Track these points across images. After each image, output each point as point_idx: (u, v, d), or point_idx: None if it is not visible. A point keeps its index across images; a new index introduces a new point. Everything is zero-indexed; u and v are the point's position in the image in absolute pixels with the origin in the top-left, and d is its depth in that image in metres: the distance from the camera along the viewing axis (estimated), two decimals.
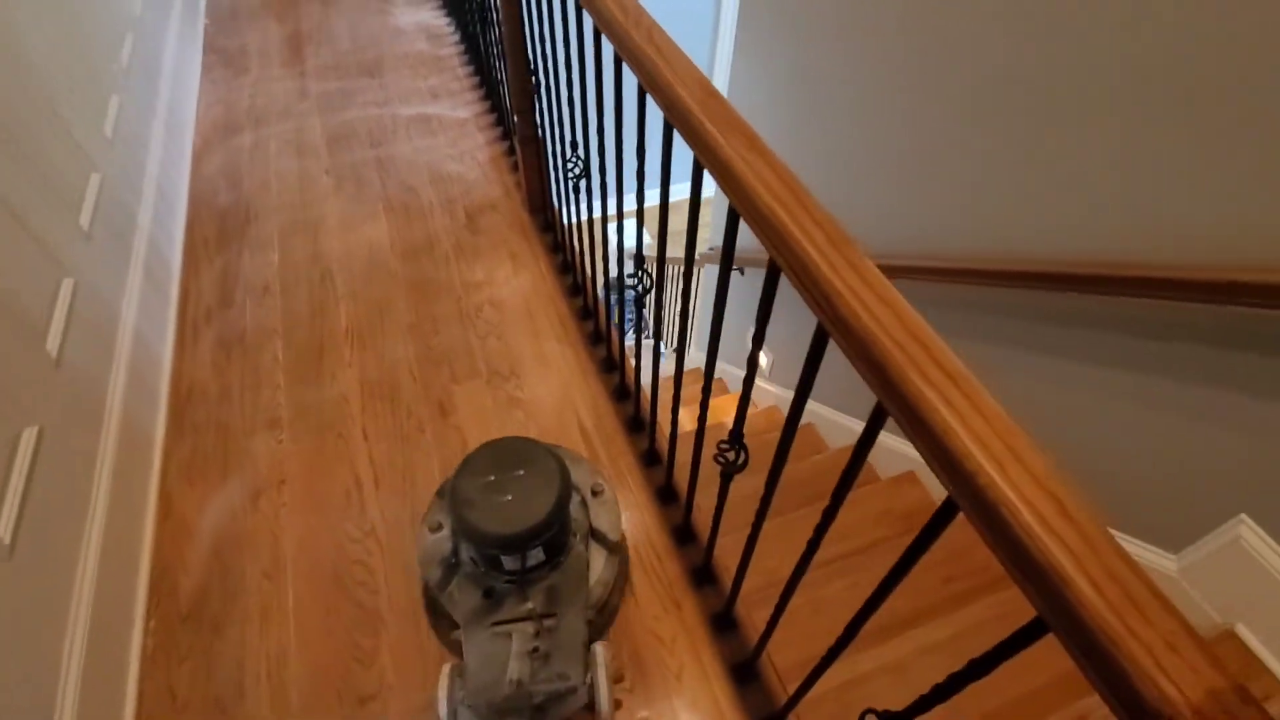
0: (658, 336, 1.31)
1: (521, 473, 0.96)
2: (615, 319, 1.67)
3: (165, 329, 1.74)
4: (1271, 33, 0.99)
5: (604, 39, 0.97)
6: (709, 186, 0.78)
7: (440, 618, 1.15)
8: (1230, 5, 1.03)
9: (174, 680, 1.21)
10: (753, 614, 1.29)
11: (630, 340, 3.78)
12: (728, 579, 1.32)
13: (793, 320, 2.57)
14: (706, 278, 3.74)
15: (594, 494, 1.14)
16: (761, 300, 0.71)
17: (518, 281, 1.89)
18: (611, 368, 1.66)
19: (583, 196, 1.45)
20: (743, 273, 2.88)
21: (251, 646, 1.24)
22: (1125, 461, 1.43)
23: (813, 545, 0.77)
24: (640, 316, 1.28)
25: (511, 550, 0.95)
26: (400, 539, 1.38)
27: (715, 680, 1.20)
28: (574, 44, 1.18)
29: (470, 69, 2.66)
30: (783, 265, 0.62)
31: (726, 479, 0.99)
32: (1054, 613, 0.41)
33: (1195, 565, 1.33)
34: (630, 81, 0.88)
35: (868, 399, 0.53)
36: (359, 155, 2.30)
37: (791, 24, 2.35)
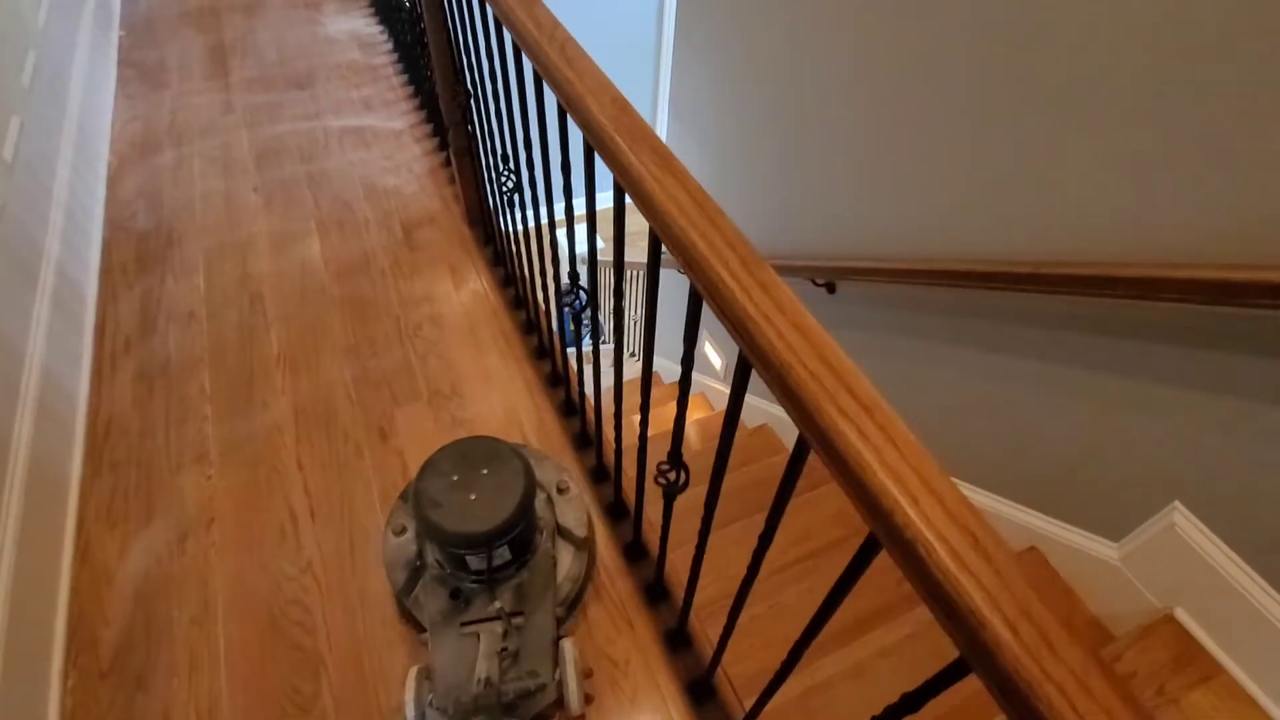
0: (596, 340, 1.28)
1: (486, 471, 0.95)
2: (566, 327, 1.64)
3: (80, 361, 1.64)
4: (1238, 35, 1.01)
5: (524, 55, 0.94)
6: None
7: (410, 620, 1.14)
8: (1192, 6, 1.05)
9: None
10: (708, 628, 1.27)
11: (574, 349, 3.74)
12: (681, 594, 1.31)
13: None
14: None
15: (559, 491, 1.14)
16: (688, 321, 0.69)
17: (459, 297, 1.84)
18: (557, 382, 1.63)
19: (519, 210, 1.41)
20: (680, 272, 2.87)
21: (179, 699, 1.17)
22: (1067, 454, 1.46)
23: (752, 571, 0.75)
24: (580, 328, 1.25)
25: (478, 549, 0.93)
26: (340, 573, 1.32)
27: (671, 701, 1.17)
28: (497, 57, 1.15)
29: (405, 78, 2.59)
30: (700, 289, 0.60)
31: (669, 499, 0.96)
32: (973, 652, 0.40)
33: (1134, 552, 1.37)
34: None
35: None
36: (289, 171, 2.21)
37: (733, 24, 2.35)
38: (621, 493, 1.38)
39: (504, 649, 0.95)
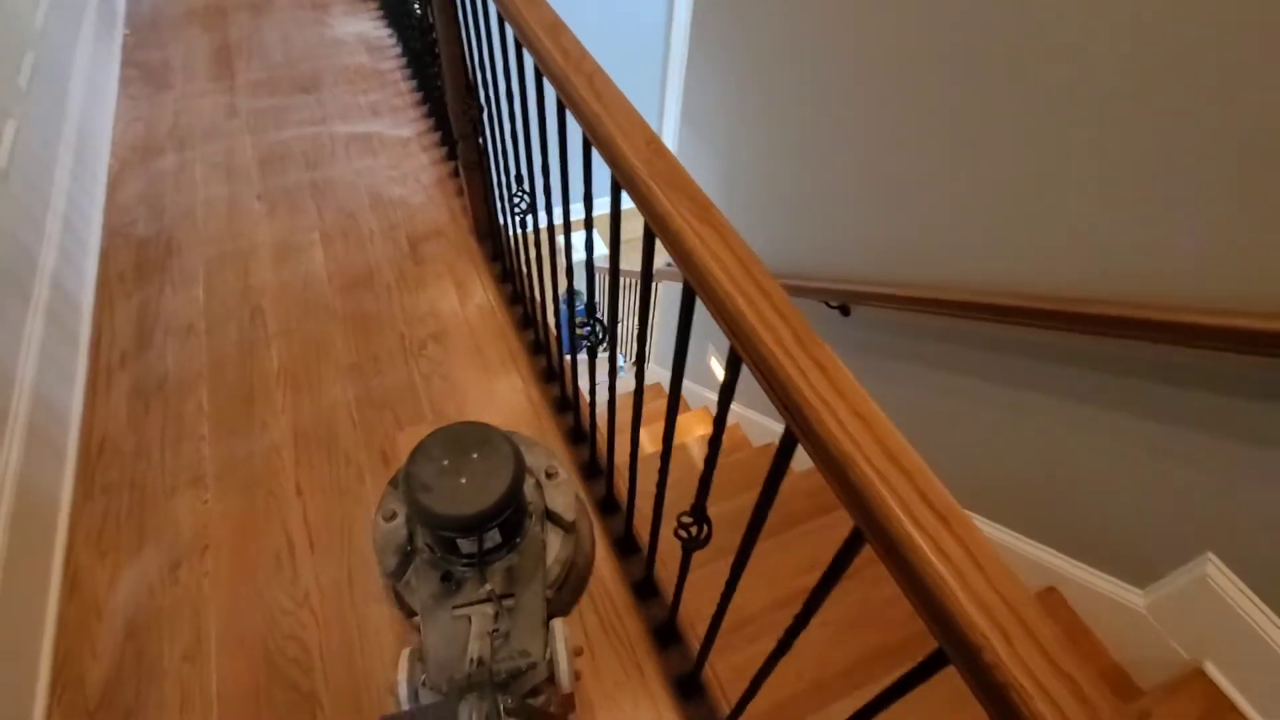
0: (614, 376, 1.23)
1: (476, 456, 0.96)
2: (567, 334, 1.59)
3: (74, 377, 1.58)
4: (1238, 74, 0.97)
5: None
6: None
7: (401, 604, 1.15)
8: (1197, 48, 1.01)
9: None
10: (717, 663, 1.22)
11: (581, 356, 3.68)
12: (693, 635, 1.26)
13: None
14: (665, 293, 3.68)
15: (548, 476, 1.15)
16: (724, 386, 0.64)
17: (465, 314, 1.79)
18: (566, 407, 1.58)
19: (531, 229, 1.37)
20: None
21: None
22: (1095, 494, 1.41)
23: (784, 644, 0.70)
24: (594, 357, 1.21)
25: (469, 532, 0.95)
26: (338, 606, 1.27)
27: None
28: (515, 77, 1.10)
29: (413, 84, 2.54)
30: (744, 358, 0.55)
31: (687, 553, 0.92)
32: None
33: (1162, 601, 1.32)
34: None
35: None
36: (294, 178, 2.16)
37: (747, 35, 2.30)
38: (633, 528, 1.34)
39: (495, 630, 0.97)
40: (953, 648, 0.39)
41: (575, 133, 0.85)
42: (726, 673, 1.25)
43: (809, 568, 1.94)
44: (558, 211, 1.14)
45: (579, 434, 1.52)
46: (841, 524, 1.78)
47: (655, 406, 3.22)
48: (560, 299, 1.46)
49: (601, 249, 4.38)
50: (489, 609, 1.00)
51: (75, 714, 1.15)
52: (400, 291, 1.85)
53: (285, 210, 2.06)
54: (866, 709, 0.56)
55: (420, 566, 1.04)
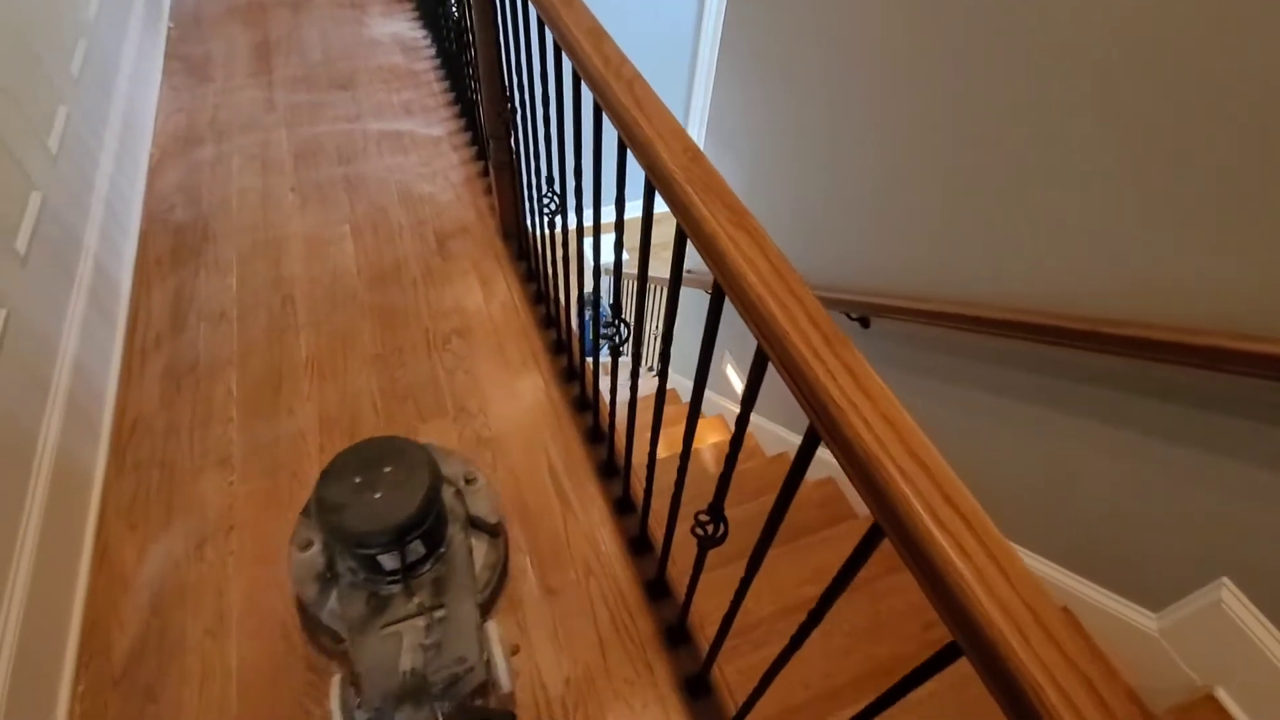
0: (636, 373, 1.25)
1: (388, 469, 0.95)
2: (589, 338, 1.61)
3: (110, 356, 1.63)
4: (1251, 91, 0.97)
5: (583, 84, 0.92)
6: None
7: (321, 634, 1.14)
8: (1211, 61, 1.01)
9: None
10: (726, 667, 1.23)
11: (604, 356, 3.72)
12: (703, 638, 1.27)
13: None
14: (684, 303, 3.69)
15: (467, 482, 1.15)
16: (748, 386, 0.66)
17: (489, 311, 1.82)
18: (585, 406, 1.60)
19: (559, 230, 1.39)
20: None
21: (189, 710, 1.15)
22: (1109, 516, 1.41)
23: (790, 649, 0.72)
24: (617, 358, 1.23)
25: (390, 547, 0.93)
26: None
27: None
28: (552, 81, 1.13)
29: (446, 84, 2.59)
30: (773, 359, 0.57)
31: (703, 550, 0.93)
32: None
33: (1175, 626, 1.31)
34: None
35: None
36: (327, 173, 2.21)
37: (774, 48, 2.32)
38: (648, 528, 1.35)
39: (427, 642, 0.96)
40: (969, 642, 0.41)
41: (608, 138, 0.88)
42: (734, 676, 1.26)
43: (815, 578, 1.94)
44: (587, 214, 1.17)
45: (597, 434, 1.54)
46: (850, 535, 1.80)
47: (671, 412, 3.23)
48: (585, 301, 1.48)
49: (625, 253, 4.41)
50: (420, 622, 0.99)
51: (100, 682, 1.19)
52: (426, 286, 1.88)
53: (317, 203, 2.10)
54: (878, 702, 0.58)
55: (344, 591, 1.01)
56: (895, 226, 1.88)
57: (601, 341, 1.22)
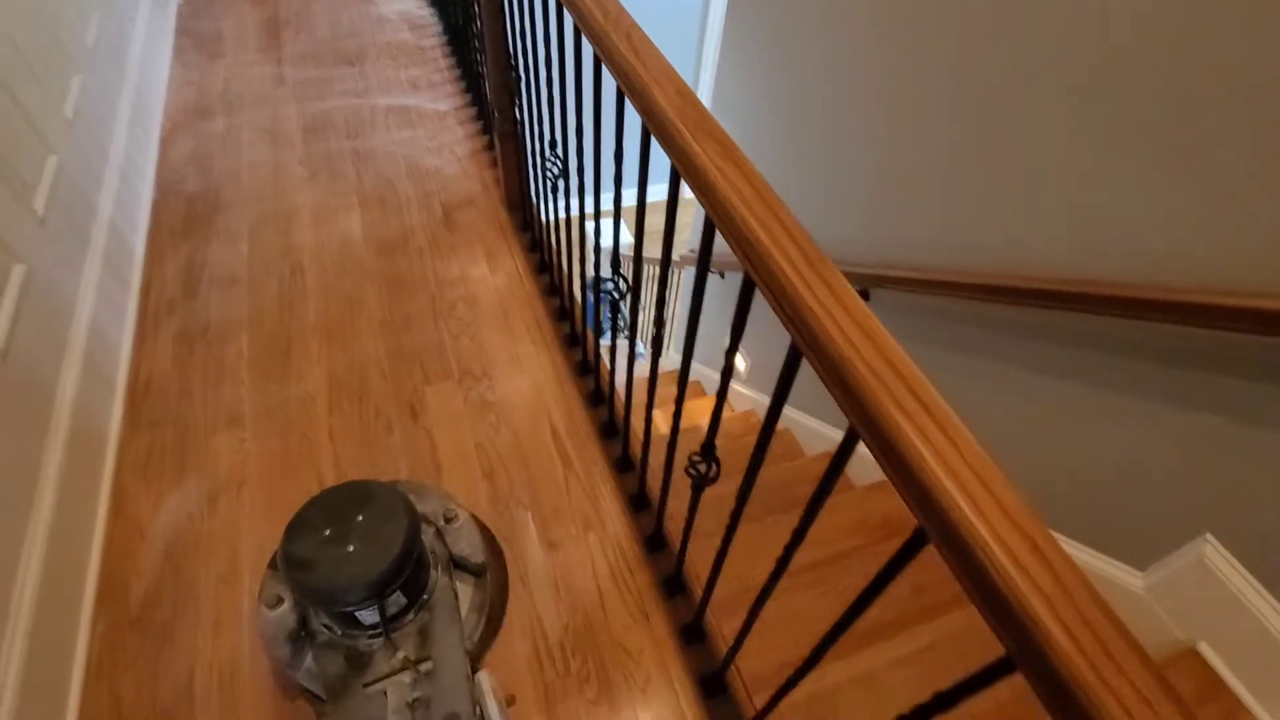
0: (633, 334, 1.28)
1: (360, 518, 0.86)
2: (593, 319, 1.65)
3: (125, 319, 1.68)
4: (1245, 55, 0.99)
5: (584, 39, 0.94)
6: (687, 189, 0.75)
7: (305, 694, 1.05)
8: (1205, 32, 1.03)
9: (120, 688, 1.16)
10: (723, 624, 1.27)
11: (607, 340, 3.75)
12: (699, 588, 1.31)
13: (771, 323, 2.56)
14: (686, 279, 3.72)
15: (447, 521, 1.06)
16: (737, 311, 0.69)
17: (494, 280, 1.86)
18: (587, 370, 1.63)
19: (561, 196, 1.42)
20: (722, 275, 2.87)
21: (203, 655, 1.20)
22: (1094, 477, 1.44)
23: (783, 563, 0.75)
24: (617, 316, 1.25)
25: (370, 602, 0.86)
26: None
27: (682, 693, 1.18)
28: (554, 42, 1.15)
29: (453, 60, 2.62)
30: (757, 280, 0.60)
31: (697, 490, 0.97)
32: (1023, 654, 0.40)
33: (1160, 583, 1.34)
34: (611, 82, 0.86)
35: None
36: (335, 146, 2.25)
37: (778, 26, 2.34)
38: (646, 486, 1.39)
39: (415, 699, 0.89)
40: (929, 518, 0.44)
41: (611, 102, 0.90)
42: (730, 632, 1.30)
43: (810, 547, 1.98)
44: (589, 200, 1.20)
45: (599, 397, 1.58)
46: (848, 505, 1.82)
47: (668, 392, 3.27)
48: (585, 283, 1.51)
49: (627, 238, 4.44)
50: (405, 678, 0.91)
51: (118, 623, 1.23)
52: (433, 256, 1.92)
53: (326, 175, 2.14)
54: (850, 612, 0.61)
55: (319, 650, 0.94)
56: (894, 198, 1.90)
57: (604, 313, 1.22)
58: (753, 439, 0.74)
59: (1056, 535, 1.59)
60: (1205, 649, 1.29)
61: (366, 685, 0.90)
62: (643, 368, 3.62)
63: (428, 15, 2.90)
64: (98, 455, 1.42)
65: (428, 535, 1.02)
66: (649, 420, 1.21)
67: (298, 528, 0.86)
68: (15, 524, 1.10)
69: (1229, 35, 1.02)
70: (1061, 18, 1.27)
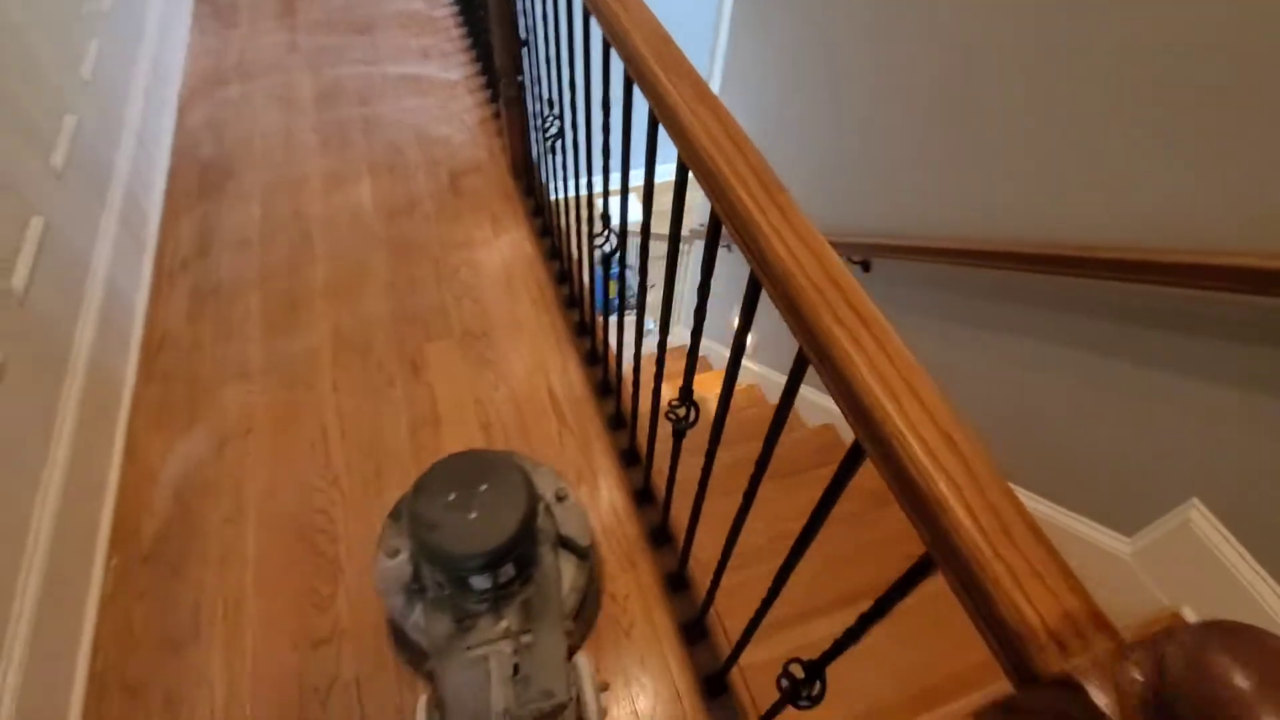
0: (629, 303, 1.31)
1: (484, 487, 0.91)
2: (603, 299, 1.67)
3: (140, 276, 1.73)
4: (1234, 26, 0.98)
5: None
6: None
7: (407, 648, 1.10)
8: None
9: (131, 618, 1.22)
10: (706, 578, 1.30)
11: (613, 311, 3.75)
12: (680, 540, 1.34)
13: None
14: (695, 253, 3.73)
15: (559, 499, 1.09)
16: (706, 246, 0.72)
17: (497, 244, 1.89)
18: (584, 331, 1.66)
19: (559, 157, 1.45)
20: (730, 249, 2.88)
21: (209, 588, 1.26)
22: (1083, 443, 1.44)
23: (748, 497, 0.78)
24: (624, 286, 1.26)
25: (484, 570, 0.90)
26: (364, 490, 1.39)
27: (665, 638, 1.21)
28: (551, 1, 1.17)
29: (464, 30, 2.63)
30: (720, 212, 0.62)
31: (678, 437, 0.99)
32: (936, 543, 0.42)
33: (1147, 549, 1.35)
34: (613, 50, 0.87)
35: None
36: (346, 113, 2.28)
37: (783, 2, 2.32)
38: (636, 440, 1.42)
39: (515, 669, 0.92)
40: (860, 423, 0.47)
41: (613, 69, 0.92)
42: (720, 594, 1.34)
43: (802, 515, 2.01)
44: (583, 135, 1.22)
45: (594, 356, 1.61)
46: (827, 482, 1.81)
47: (678, 368, 3.29)
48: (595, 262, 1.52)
49: (636, 216, 4.44)
50: (506, 647, 0.94)
51: (131, 558, 1.30)
52: (439, 221, 1.95)
53: (337, 142, 2.18)
54: (803, 534, 0.64)
55: (429, 606, 0.98)
56: (893, 171, 1.90)
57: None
58: (753, 411, 0.76)
59: (1046, 501, 1.60)
60: (1188, 613, 1.30)
61: (469, 649, 0.93)
62: (649, 341, 3.64)
63: None
64: (113, 404, 1.47)
65: (539, 512, 1.03)
66: (637, 376, 1.24)
67: (426, 486, 0.90)
68: (33, 464, 1.16)
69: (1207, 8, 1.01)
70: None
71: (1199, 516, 1.24)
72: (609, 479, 1.42)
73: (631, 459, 1.44)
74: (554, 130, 1.38)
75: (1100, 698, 0.31)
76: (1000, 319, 1.58)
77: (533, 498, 0.91)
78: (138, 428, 1.49)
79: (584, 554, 1.07)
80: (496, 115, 2.25)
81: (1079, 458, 1.47)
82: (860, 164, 2.08)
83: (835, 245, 1.69)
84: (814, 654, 1.48)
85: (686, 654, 1.20)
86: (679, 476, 1.18)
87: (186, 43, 2.53)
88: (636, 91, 0.79)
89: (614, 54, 0.86)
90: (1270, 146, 1.00)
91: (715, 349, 3.57)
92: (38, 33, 1.50)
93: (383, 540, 1.05)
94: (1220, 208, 1.08)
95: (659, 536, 1.32)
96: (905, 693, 1.45)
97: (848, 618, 1.52)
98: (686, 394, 0.93)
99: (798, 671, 0.75)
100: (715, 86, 4.22)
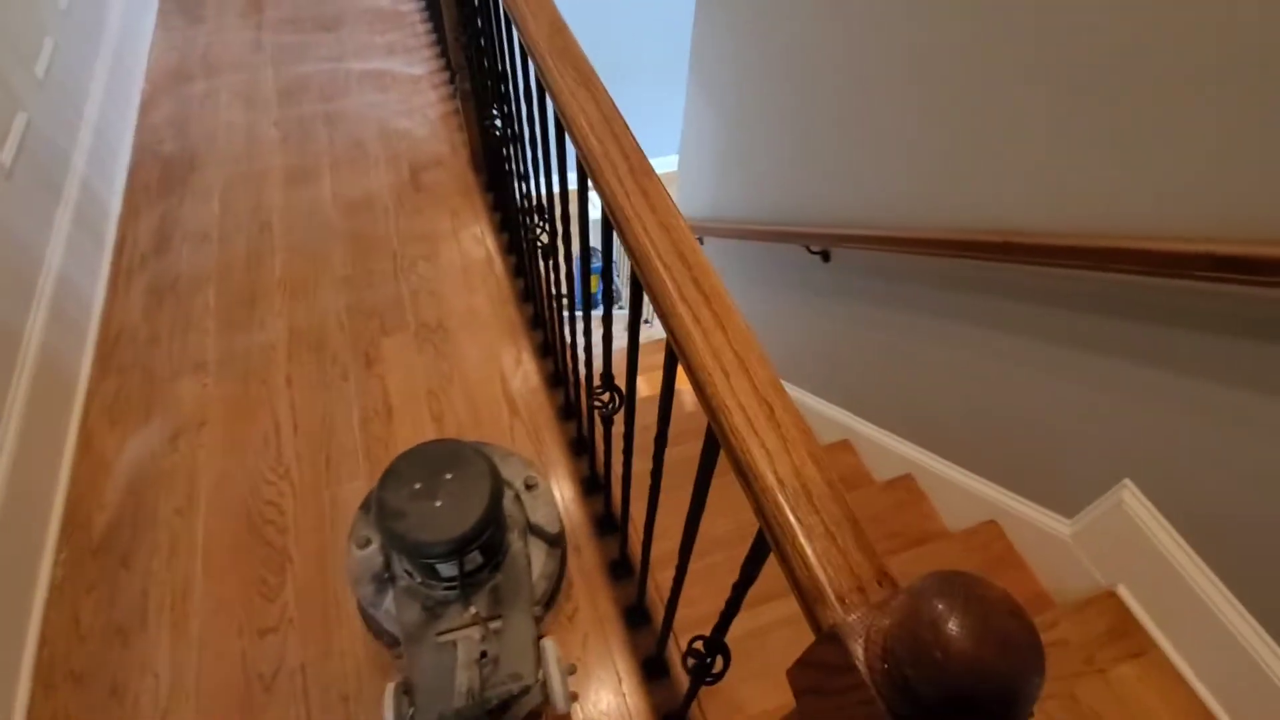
0: (608, 303, 1.32)
1: (449, 476, 0.93)
2: (581, 285, 1.68)
3: (98, 272, 1.74)
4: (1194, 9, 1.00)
5: None
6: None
7: (382, 636, 1.13)
8: None
9: (79, 609, 1.24)
10: (656, 574, 1.32)
11: (598, 312, 3.78)
12: (633, 531, 1.36)
13: (767, 299, 2.58)
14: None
15: (528, 488, 1.11)
16: (602, 230, 0.73)
17: (456, 237, 1.90)
18: (539, 324, 1.68)
19: (512, 149, 1.46)
20: (701, 241, 2.89)
21: (158, 578, 1.27)
22: (1026, 428, 1.46)
23: (657, 459, 0.80)
24: (609, 281, 1.28)
25: (449, 557, 0.92)
26: (314, 482, 1.41)
27: (608, 621, 1.23)
28: None
29: (429, 25, 2.64)
30: (599, 191, 0.64)
31: (606, 423, 1.01)
32: (756, 509, 0.44)
33: (1084, 530, 1.37)
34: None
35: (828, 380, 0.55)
36: (309, 109, 2.29)
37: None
38: (583, 427, 1.44)
39: (483, 654, 0.94)
40: (700, 396, 0.48)
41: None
42: (664, 581, 1.35)
43: (745, 525, 2.03)
44: (527, 132, 1.23)
45: (548, 349, 1.62)
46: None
47: (653, 361, 3.31)
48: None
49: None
50: (475, 633, 0.97)
51: (80, 551, 1.31)
52: (398, 215, 1.96)
53: (299, 137, 2.18)
54: (693, 504, 0.65)
55: (399, 594, 1.00)
56: (853, 159, 1.91)
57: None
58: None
59: (994, 485, 1.61)
60: (1123, 590, 1.32)
61: (439, 635, 0.96)
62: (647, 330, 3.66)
63: None
64: (67, 398, 1.49)
65: (508, 500, 1.06)
66: (589, 370, 1.25)
67: (392, 476, 0.92)
68: None
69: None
70: None
71: (1131, 497, 1.26)
72: (558, 468, 1.44)
73: (580, 448, 1.45)
74: (500, 124, 1.40)
75: (854, 648, 0.33)
76: (946, 306, 1.60)
77: (498, 486, 0.93)
78: (92, 421, 1.50)
79: (554, 541, 1.09)
80: (459, 110, 2.26)
81: (1023, 442, 1.49)
82: (826, 152, 2.09)
83: (791, 236, 1.70)
84: (763, 637, 1.50)
85: (628, 638, 1.22)
86: (635, 470, 1.20)
87: (151, 40, 2.53)
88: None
89: None
90: (1182, 130, 1.01)
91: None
92: None
93: (354, 531, 1.07)
94: (1141, 195, 1.10)
95: (604, 524, 1.34)
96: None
97: (792, 604, 1.54)
98: (608, 380, 0.94)
99: (701, 648, 0.77)
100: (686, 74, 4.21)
